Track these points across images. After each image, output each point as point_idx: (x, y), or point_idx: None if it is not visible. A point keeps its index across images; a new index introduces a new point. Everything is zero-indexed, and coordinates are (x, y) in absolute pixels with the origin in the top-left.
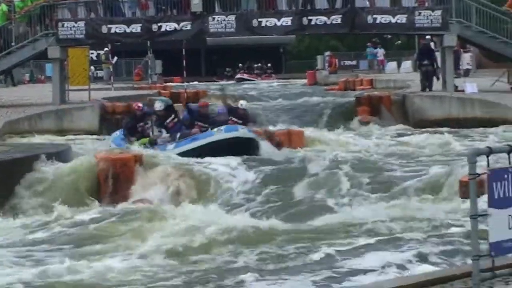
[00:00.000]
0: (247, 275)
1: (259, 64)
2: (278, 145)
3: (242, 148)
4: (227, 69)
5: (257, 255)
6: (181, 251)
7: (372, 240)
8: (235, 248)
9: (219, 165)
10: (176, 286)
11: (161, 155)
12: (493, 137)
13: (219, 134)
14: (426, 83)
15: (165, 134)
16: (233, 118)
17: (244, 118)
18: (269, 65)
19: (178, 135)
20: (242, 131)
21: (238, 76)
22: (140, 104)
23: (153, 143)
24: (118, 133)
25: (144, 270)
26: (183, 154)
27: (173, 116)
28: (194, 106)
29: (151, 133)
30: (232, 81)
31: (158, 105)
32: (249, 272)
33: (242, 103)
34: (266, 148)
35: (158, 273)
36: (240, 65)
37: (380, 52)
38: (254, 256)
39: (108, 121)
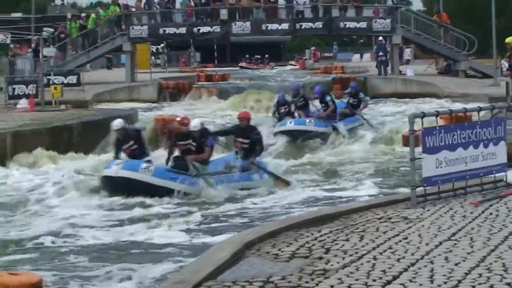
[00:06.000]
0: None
1: (259, 56)
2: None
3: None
4: (243, 58)
5: None
6: None
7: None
8: None
9: None
10: None
11: None
12: (425, 105)
13: None
14: (382, 69)
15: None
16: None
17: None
18: (266, 56)
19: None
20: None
21: (240, 64)
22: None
23: None
24: None
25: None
26: None
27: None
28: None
29: None
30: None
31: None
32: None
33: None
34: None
35: None
36: (247, 55)
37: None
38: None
39: (163, 93)
